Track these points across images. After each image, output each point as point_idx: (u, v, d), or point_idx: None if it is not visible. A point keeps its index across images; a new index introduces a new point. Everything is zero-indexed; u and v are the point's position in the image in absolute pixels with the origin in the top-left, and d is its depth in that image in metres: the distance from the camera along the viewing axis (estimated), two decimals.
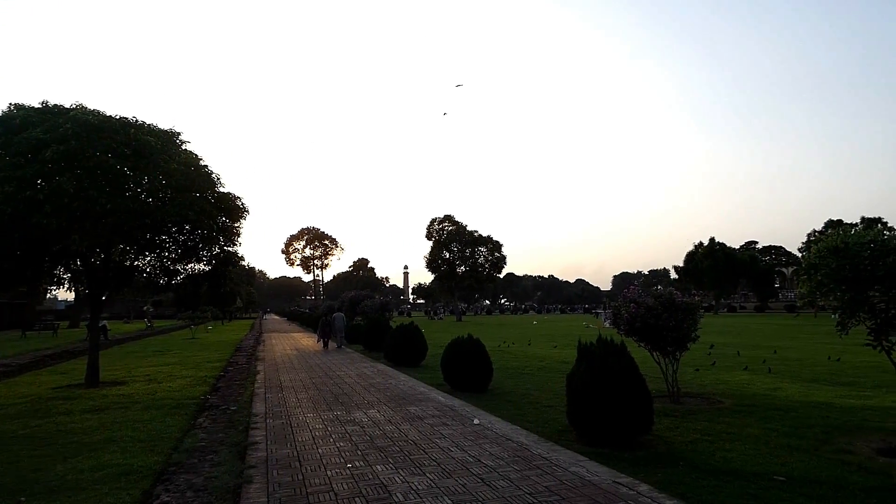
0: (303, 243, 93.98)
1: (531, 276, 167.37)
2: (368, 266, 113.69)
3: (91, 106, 11.62)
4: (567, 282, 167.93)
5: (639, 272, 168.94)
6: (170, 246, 12.47)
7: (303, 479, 5.43)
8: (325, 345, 24.05)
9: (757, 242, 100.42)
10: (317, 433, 7.47)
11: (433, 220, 71.85)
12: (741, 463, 5.68)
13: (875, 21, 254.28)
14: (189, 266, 13.23)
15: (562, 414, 7.45)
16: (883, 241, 5.72)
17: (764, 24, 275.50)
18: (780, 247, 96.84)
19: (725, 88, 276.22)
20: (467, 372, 10.80)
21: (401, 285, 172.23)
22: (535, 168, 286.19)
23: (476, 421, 8.02)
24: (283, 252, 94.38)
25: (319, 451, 6.52)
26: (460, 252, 68.85)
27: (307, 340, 28.72)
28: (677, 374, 9.24)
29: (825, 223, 69.45)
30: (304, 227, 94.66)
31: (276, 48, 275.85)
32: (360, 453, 6.37)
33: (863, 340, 6.26)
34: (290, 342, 27.95)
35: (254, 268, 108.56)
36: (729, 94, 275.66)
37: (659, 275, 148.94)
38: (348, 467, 5.81)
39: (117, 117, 11.48)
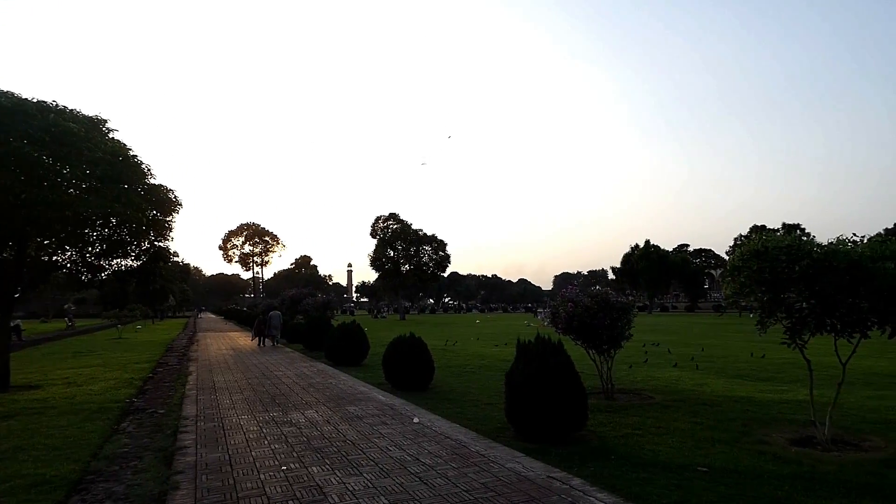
0: (242, 239, 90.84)
1: (475, 275, 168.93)
2: (311, 264, 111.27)
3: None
4: (510, 281, 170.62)
5: (579, 272, 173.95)
6: (94, 240, 11.71)
7: (234, 483, 5.23)
8: (262, 343, 24.16)
9: (689, 245, 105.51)
10: (251, 435, 7.22)
11: (378, 218, 71.24)
12: (668, 455, 5.93)
13: (801, 36, 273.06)
14: (116, 262, 12.48)
15: (501, 411, 7.54)
16: (799, 245, 6.11)
17: (699, 34, 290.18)
18: (710, 250, 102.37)
19: (663, 97, 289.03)
20: (409, 371, 10.76)
21: (344, 283, 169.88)
22: (480, 169, 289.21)
23: (416, 420, 8.00)
24: (220, 248, 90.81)
25: (253, 453, 6.31)
26: (405, 250, 68.61)
27: (245, 340, 27.79)
28: (612, 371, 9.55)
29: (750, 228, 73.86)
30: (244, 222, 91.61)
31: (214, 37, 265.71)
32: (295, 455, 6.21)
33: (782, 339, 6.66)
34: (226, 342, 26.97)
35: (188, 264, 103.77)
36: (666, 103, 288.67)
37: (598, 275, 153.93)
38: (283, 470, 5.65)
39: (34, 100, 10.66)
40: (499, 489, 4.91)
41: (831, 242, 6.12)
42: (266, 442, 6.85)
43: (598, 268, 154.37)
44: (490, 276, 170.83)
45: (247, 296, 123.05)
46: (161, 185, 12.23)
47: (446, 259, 71.08)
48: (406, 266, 69.19)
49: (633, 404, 8.87)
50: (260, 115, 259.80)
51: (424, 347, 11.02)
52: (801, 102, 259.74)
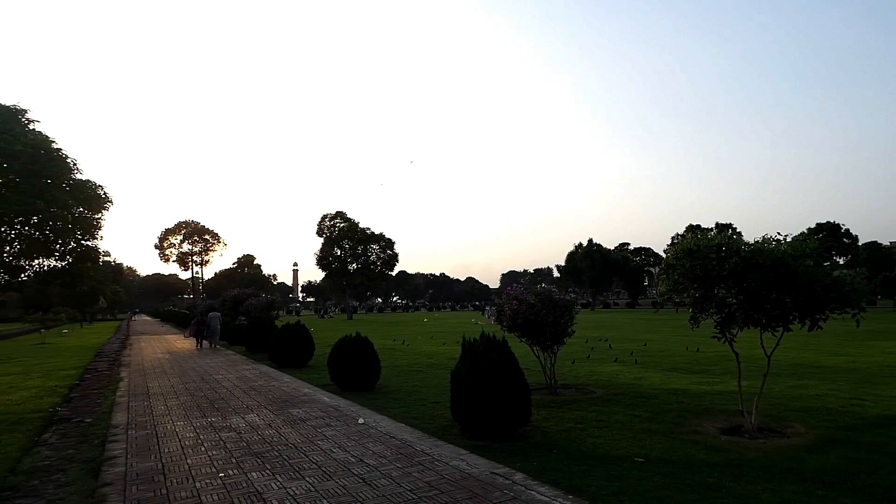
0: (180, 238, 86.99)
1: (423, 273, 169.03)
2: (254, 263, 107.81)
3: None
4: (458, 280, 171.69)
5: (525, 270, 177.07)
6: (12, 239, 10.91)
7: (167, 493, 4.99)
8: (199, 344, 23.60)
9: (629, 244, 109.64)
10: (187, 442, 6.92)
11: (324, 217, 70.09)
12: (608, 448, 6.11)
13: (737, 42, 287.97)
14: (38, 262, 11.69)
15: (447, 409, 7.55)
16: (728, 244, 6.43)
17: (639, 38, 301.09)
18: (650, 248, 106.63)
19: (606, 101, 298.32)
20: (355, 371, 10.62)
21: (290, 283, 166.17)
22: (428, 167, 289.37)
23: (361, 420, 7.90)
24: (156, 247, 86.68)
25: (189, 461, 6.04)
26: (352, 249, 67.82)
27: (183, 343, 26.65)
28: (555, 367, 9.76)
29: (686, 227, 77.37)
30: (182, 220, 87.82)
31: (154, 32, 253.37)
32: (234, 461, 5.99)
33: (713, 333, 6.98)
34: (162, 345, 25.77)
35: (121, 264, 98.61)
36: (609, 106, 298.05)
37: (543, 273, 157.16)
38: (220, 477, 5.43)
39: None
40: (443, 487, 4.91)
41: (758, 241, 6.47)
42: (203, 449, 6.57)
43: (544, 266, 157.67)
44: (438, 274, 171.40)
45: (185, 297, 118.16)
46: (89, 181, 11.60)
47: (394, 258, 70.76)
48: (353, 265, 68.40)
49: (575, 399, 9.09)
50: (200, 111, 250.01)
51: (371, 347, 10.90)
52: (735, 106, 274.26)
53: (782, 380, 10.45)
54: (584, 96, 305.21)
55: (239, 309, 28.26)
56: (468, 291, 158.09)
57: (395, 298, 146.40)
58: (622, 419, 7.51)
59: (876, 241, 79.37)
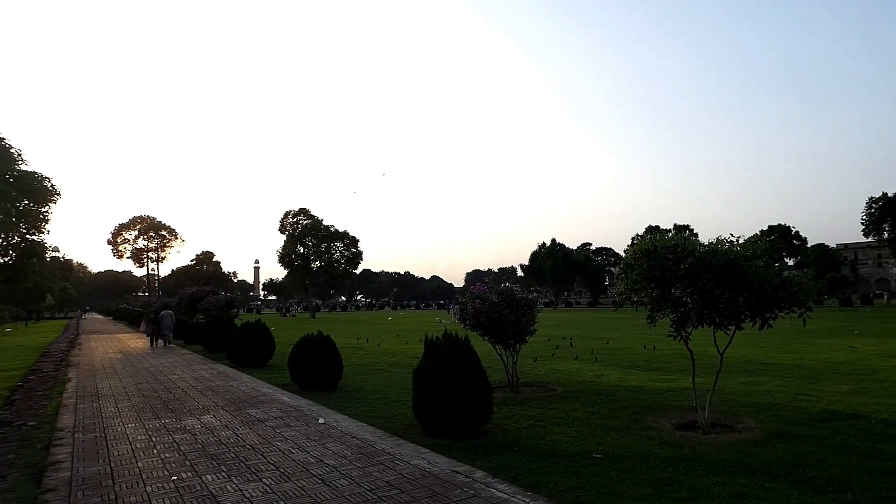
0: (135, 233, 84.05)
1: (388, 272, 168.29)
2: (214, 260, 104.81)
3: None
4: (422, 278, 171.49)
5: (490, 269, 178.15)
6: None
7: (115, 498, 4.80)
8: (153, 343, 23.03)
9: (591, 244, 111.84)
10: (138, 445, 6.68)
11: (287, 213, 68.83)
12: (567, 444, 6.20)
13: (695, 48, 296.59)
14: None
15: (409, 408, 7.52)
16: (684, 245, 6.61)
17: (599, 39, 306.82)
18: (611, 248, 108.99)
19: (569, 102, 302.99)
20: (316, 370, 10.45)
21: (251, 281, 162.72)
22: (393, 165, 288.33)
23: (321, 420, 7.79)
24: (109, 243, 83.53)
25: (139, 465, 5.82)
26: (315, 247, 66.82)
27: (136, 342, 25.76)
28: (517, 366, 9.85)
29: (646, 228, 79.35)
30: (137, 215, 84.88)
31: (108, 21, 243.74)
32: (188, 463, 5.81)
33: (669, 331, 7.16)
34: (114, 344, 24.84)
35: (71, 260, 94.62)
36: (572, 107, 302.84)
37: (507, 272, 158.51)
38: (173, 480, 5.26)
39: None
40: (403, 486, 4.88)
41: (712, 243, 6.67)
42: (155, 451, 6.36)
43: (508, 265, 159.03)
44: (403, 273, 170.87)
45: (140, 294, 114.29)
46: (35, 173, 11.04)
47: (358, 256, 70.08)
48: (317, 263, 67.42)
49: (536, 396, 9.19)
50: (157, 104, 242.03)
51: (333, 346, 10.76)
52: (694, 112, 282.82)
53: (734, 376, 10.81)
54: (550, 98, 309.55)
55: (197, 307, 27.47)
56: (433, 290, 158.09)
57: (359, 297, 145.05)
58: (581, 416, 7.63)
59: (824, 244, 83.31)
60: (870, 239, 64.03)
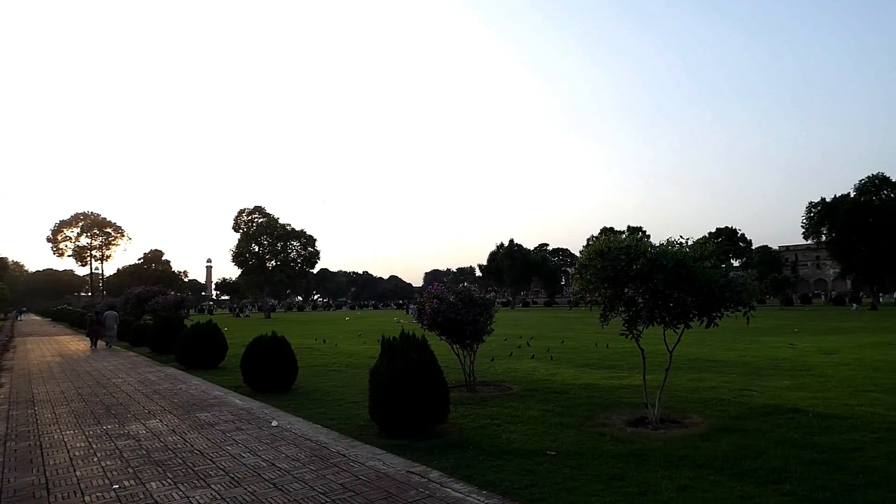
0: (77, 230, 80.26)
1: (346, 271, 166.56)
2: (163, 259, 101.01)
3: None
4: (381, 278, 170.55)
5: (448, 269, 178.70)
6: None
7: None
8: (94, 345, 22.12)
9: (548, 245, 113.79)
10: (77, 453, 6.35)
11: (241, 211, 67.20)
12: (522, 443, 6.26)
13: (646, 49, 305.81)
14: None
15: (366, 409, 7.43)
16: (636, 246, 6.78)
17: (557, 45, 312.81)
18: (567, 249, 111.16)
19: (527, 105, 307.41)
20: (270, 372, 10.20)
21: (203, 280, 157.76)
22: (350, 164, 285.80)
23: (274, 423, 7.60)
24: (49, 240, 79.43)
25: (78, 473, 5.53)
26: (271, 245, 65.46)
27: (77, 344, 24.55)
28: (474, 365, 9.89)
29: (601, 229, 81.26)
30: (80, 211, 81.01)
31: (49, 9, 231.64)
32: (131, 471, 5.56)
33: (621, 330, 7.34)
34: (52, 347, 23.61)
35: (6, 258, 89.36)
36: (531, 110, 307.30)
37: (466, 272, 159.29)
38: (114, 489, 5.02)
39: None
40: (357, 488, 4.82)
41: (662, 244, 6.87)
42: (96, 459, 6.06)
43: (467, 265, 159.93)
44: (361, 272, 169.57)
45: (83, 294, 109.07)
46: None
47: (315, 255, 69.07)
48: (272, 262, 66.05)
49: (492, 395, 9.26)
50: (101, 95, 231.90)
51: (287, 347, 10.53)
52: (646, 116, 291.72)
53: (682, 373, 11.18)
54: (508, 100, 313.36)
55: (144, 308, 26.48)
56: (392, 290, 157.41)
57: (316, 297, 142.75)
58: (536, 414, 7.72)
59: (767, 246, 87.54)
60: (809, 241, 67.75)
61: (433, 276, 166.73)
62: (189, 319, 22.05)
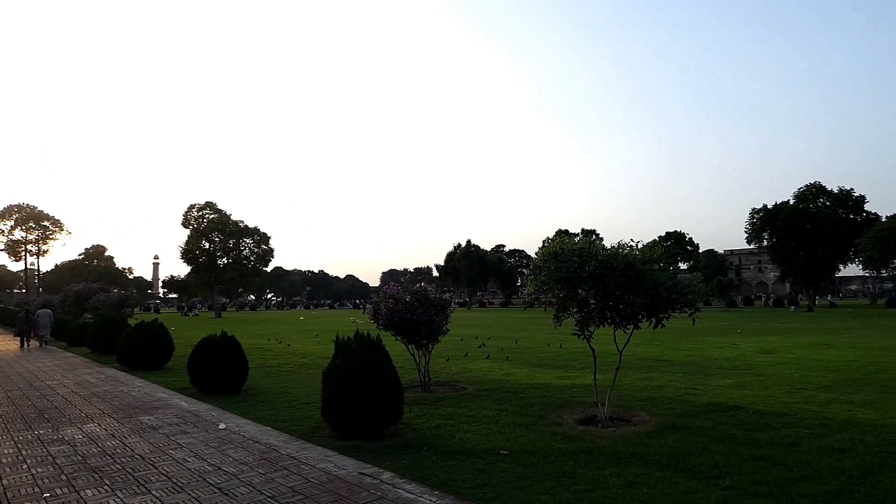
0: (10, 223, 75.71)
1: (300, 270, 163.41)
2: (106, 255, 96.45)
3: None
4: (337, 277, 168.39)
5: (406, 269, 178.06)
6: None
7: None
8: (25, 345, 21.28)
9: (505, 246, 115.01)
10: (4, 461, 5.96)
11: (191, 207, 64.97)
12: (475, 442, 6.28)
13: (604, 52, 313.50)
14: None
15: (318, 411, 7.29)
16: (589, 248, 6.92)
17: (513, 46, 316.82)
18: (523, 250, 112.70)
19: (485, 106, 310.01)
20: (218, 373, 9.87)
21: (149, 277, 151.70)
22: (307, 162, 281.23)
23: (222, 426, 7.36)
24: None
25: (4, 482, 5.19)
26: (223, 243, 63.59)
27: (7, 344, 23.14)
28: (429, 365, 9.87)
29: (556, 231, 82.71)
30: (14, 203, 76.49)
31: None
32: (65, 478, 5.26)
33: (573, 330, 7.47)
34: None
35: None
36: (488, 113, 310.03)
37: (423, 272, 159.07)
38: (45, 497, 4.74)
39: None
40: (307, 491, 4.71)
41: (614, 247, 7.03)
42: (25, 466, 5.70)
43: (425, 265, 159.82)
44: (317, 271, 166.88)
45: (17, 291, 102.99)
46: None
47: (269, 253, 67.54)
48: (224, 259, 64.18)
49: (447, 396, 9.26)
50: (37, 77, 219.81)
51: (237, 347, 10.21)
52: (602, 120, 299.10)
53: (632, 373, 11.49)
54: (466, 99, 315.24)
55: (84, 306, 25.27)
56: (348, 289, 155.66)
57: (269, 296, 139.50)
58: (490, 414, 7.77)
59: (713, 249, 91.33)
60: (752, 246, 70.95)
61: (390, 276, 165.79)
62: (133, 318, 21.15)
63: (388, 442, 6.34)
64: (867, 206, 61.43)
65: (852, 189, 61.84)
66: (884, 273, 59.72)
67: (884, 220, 56.38)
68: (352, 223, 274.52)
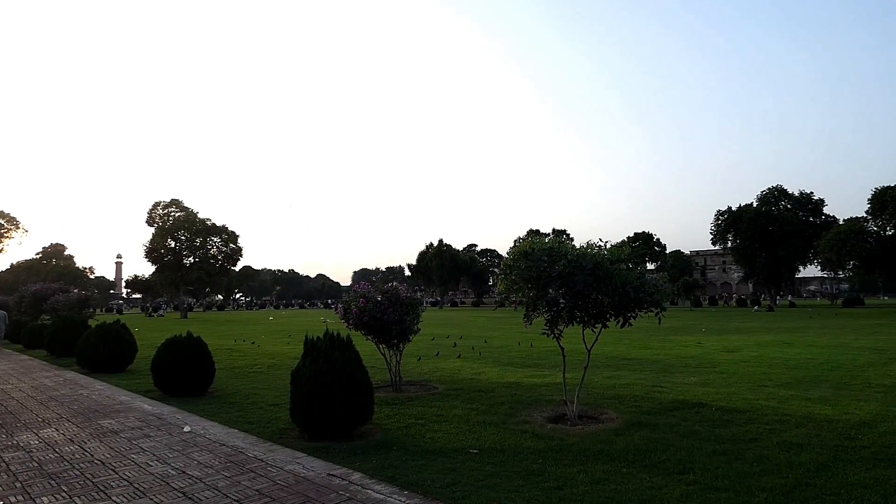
0: None
1: (270, 269, 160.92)
2: (65, 254, 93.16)
3: None
4: (308, 276, 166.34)
5: (377, 268, 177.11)
6: None
7: None
8: None
9: (477, 245, 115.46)
10: None
11: (156, 204, 63.35)
12: (445, 442, 6.28)
13: (575, 55, 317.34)
14: None
15: (287, 412, 7.19)
16: (558, 248, 6.99)
17: (492, 52, 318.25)
18: (495, 250, 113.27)
19: (458, 108, 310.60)
20: (183, 374, 9.63)
21: (112, 277, 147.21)
22: (278, 160, 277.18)
23: (187, 429, 7.19)
24: None
25: None
26: (189, 241, 62.08)
27: None
28: (400, 365, 9.83)
29: (527, 231, 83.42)
30: None
31: None
32: (19, 485, 5.06)
33: (542, 329, 7.54)
34: None
35: None
36: (457, 110, 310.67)
37: (395, 272, 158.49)
38: None
39: None
40: (274, 494, 4.64)
41: (583, 247, 7.13)
42: None
43: (396, 264, 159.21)
44: (287, 270, 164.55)
45: None
46: None
47: (238, 252, 66.28)
48: (190, 258, 62.70)
49: (418, 395, 9.24)
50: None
51: (203, 348, 9.98)
52: (573, 125, 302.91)
53: (600, 371, 11.66)
54: (439, 98, 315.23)
55: (42, 307, 24.35)
56: (319, 289, 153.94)
57: (238, 296, 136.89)
58: (460, 413, 7.78)
59: (680, 250, 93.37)
60: (717, 247, 72.83)
61: (362, 276, 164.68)
62: (94, 319, 20.50)
63: (358, 442, 6.30)
64: (826, 210, 63.79)
65: (812, 193, 64.11)
66: (840, 274, 61.97)
67: (841, 222, 58.57)
68: (323, 222, 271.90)
